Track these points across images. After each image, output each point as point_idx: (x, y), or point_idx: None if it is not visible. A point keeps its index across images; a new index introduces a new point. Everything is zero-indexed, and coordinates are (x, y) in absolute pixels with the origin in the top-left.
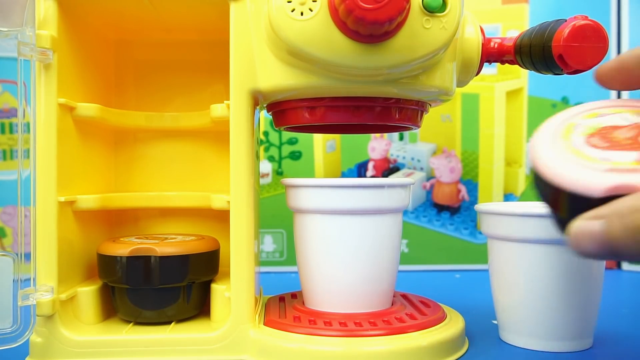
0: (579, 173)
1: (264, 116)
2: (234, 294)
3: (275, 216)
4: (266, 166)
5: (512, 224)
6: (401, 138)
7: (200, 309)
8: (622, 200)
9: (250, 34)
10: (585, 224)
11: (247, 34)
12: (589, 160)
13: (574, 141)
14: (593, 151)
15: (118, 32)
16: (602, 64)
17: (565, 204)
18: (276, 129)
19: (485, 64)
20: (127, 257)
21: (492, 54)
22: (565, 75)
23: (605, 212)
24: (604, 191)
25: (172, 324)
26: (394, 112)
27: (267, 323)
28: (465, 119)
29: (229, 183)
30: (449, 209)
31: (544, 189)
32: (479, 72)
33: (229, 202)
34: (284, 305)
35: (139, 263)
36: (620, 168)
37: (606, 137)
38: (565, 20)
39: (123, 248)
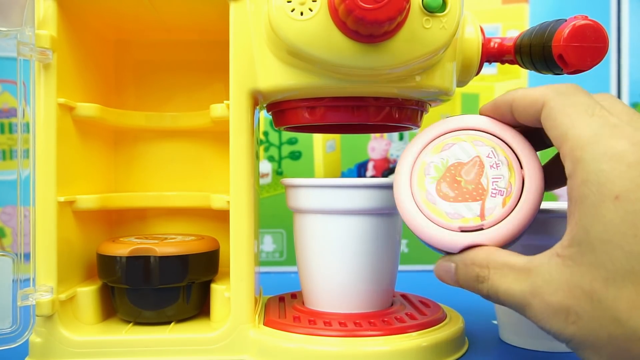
0: (439, 232)
1: (264, 116)
2: (233, 294)
3: (275, 216)
4: (266, 166)
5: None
6: (401, 138)
7: (200, 309)
8: (468, 252)
9: (250, 34)
10: (443, 263)
11: (247, 34)
12: (443, 218)
13: (429, 192)
14: (444, 205)
15: (118, 32)
16: (484, 105)
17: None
18: (276, 129)
19: (485, 64)
20: (127, 257)
21: (492, 54)
22: (565, 75)
23: (456, 258)
24: (459, 249)
25: (172, 324)
26: (394, 112)
27: (267, 323)
28: None
29: (229, 183)
30: None
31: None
32: (479, 72)
33: (228, 202)
34: (284, 305)
35: (139, 263)
36: (468, 227)
37: (453, 183)
38: (565, 20)
39: (123, 248)
